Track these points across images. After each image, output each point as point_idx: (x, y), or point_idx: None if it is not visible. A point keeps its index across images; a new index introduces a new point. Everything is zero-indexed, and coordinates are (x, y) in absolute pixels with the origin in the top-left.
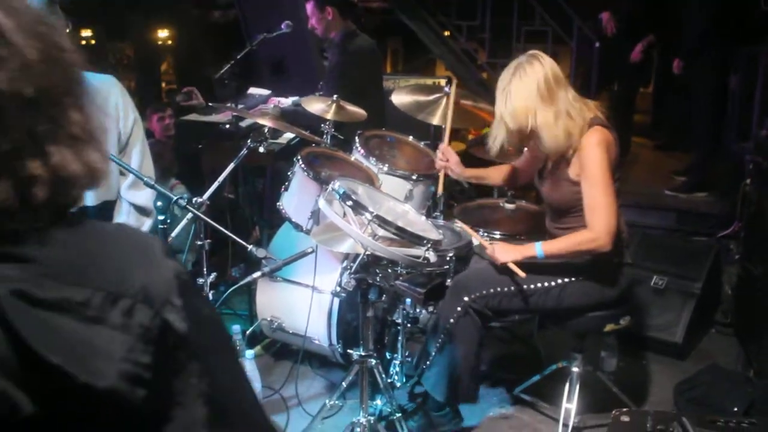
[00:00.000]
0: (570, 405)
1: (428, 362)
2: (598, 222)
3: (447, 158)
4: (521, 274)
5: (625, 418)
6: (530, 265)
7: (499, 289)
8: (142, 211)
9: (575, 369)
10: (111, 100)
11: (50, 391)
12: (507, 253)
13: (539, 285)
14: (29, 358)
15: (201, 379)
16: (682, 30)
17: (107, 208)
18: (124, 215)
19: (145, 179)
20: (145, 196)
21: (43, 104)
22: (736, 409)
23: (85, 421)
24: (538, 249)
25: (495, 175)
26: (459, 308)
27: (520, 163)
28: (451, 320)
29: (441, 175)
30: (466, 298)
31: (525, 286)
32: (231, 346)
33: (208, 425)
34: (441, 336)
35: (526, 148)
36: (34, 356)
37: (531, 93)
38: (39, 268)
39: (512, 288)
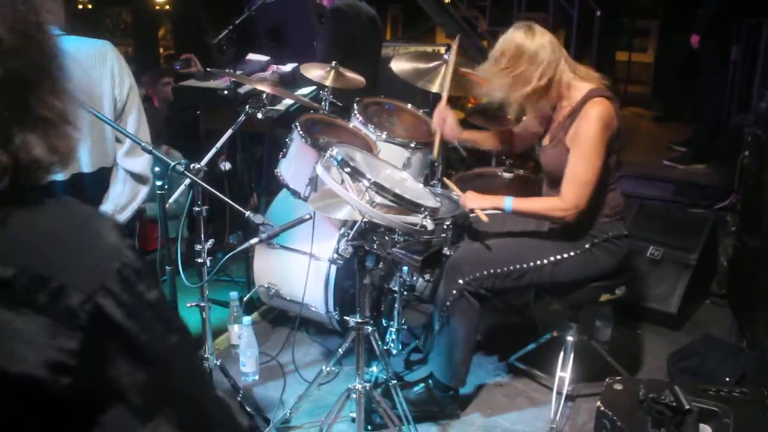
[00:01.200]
0: (564, 373)
1: (431, 337)
2: (574, 197)
3: (444, 117)
4: (484, 219)
5: (618, 386)
6: (525, 244)
7: (492, 270)
8: (138, 178)
9: (570, 338)
10: (106, 65)
11: None
12: (475, 201)
13: (532, 263)
14: None
15: (138, 369)
16: (699, 5)
17: (103, 175)
18: (120, 182)
19: (143, 144)
20: (141, 164)
21: (14, 87)
22: (728, 378)
23: (4, 407)
24: (507, 203)
25: (491, 139)
26: (454, 291)
27: (518, 129)
28: (448, 303)
29: (437, 137)
30: (460, 281)
31: (518, 265)
32: (178, 330)
33: (144, 416)
34: (440, 319)
35: (525, 117)
36: None
37: (550, 46)
38: None
39: (505, 268)
